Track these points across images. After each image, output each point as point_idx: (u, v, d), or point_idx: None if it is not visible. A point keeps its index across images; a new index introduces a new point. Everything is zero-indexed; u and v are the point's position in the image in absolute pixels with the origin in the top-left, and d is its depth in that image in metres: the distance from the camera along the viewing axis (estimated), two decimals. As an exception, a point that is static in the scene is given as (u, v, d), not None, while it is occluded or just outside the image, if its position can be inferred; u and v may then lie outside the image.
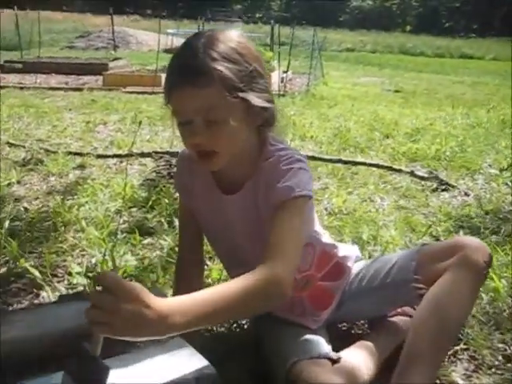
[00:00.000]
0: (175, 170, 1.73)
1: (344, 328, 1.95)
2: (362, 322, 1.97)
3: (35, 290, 2.14)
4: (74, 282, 2.20)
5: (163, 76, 8.32)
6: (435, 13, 38.77)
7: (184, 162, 1.66)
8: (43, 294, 2.12)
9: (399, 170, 4.10)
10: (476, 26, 36.46)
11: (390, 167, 4.16)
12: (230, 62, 1.35)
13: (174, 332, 1.11)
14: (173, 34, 18.75)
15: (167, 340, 1.24)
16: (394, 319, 1.84)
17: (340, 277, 1.75)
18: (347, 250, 1.82)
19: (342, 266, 1.75)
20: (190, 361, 1.24)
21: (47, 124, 5.86)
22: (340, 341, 1.70)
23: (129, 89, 9.06)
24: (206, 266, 2.20)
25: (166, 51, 16.30)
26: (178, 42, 18.92)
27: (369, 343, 1.69)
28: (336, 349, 1.60)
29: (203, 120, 1.36)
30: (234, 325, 1.88)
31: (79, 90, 9.06)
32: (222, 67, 1.33)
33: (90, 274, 2.23)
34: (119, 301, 1.02)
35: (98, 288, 1.07)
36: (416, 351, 1.45)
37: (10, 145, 4.67)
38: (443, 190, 3.72)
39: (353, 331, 1.95)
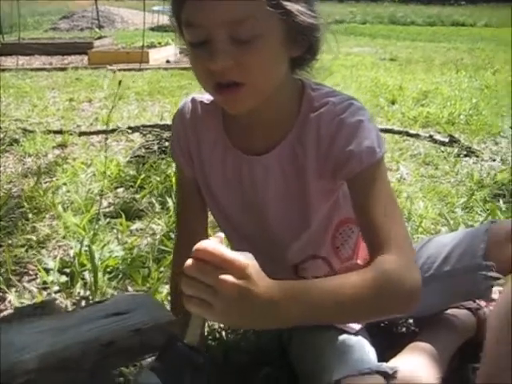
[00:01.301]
0: (172, 133, 1.29)
1: (382, 325, 1.57)
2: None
3: (-1, 294, 1.76)
4: (49, 279, 1.80)
5: (150, 52, 8.02)
6: (424, -19, 38.14)
7: (185, 119, 1.24)
8: (9, 297, 1.72)
9: (416, 135, 3.71)
10: (466, -8, 35.88)
11: (406, 132, 3.77)
12: None
13: (281, 323, 0.91)
14: (158, 12, 18.26)
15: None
16: (450, 312, 1.46)
17: None
18: None
19: None
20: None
21: (27, 104, 5.43)
22: (380, 343, 1.31)
23: (115, 66, 8.62)
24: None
25: (153, 29, 15.86)
26: (164, 19, 18.48)
27: (427, 345, 1.32)
28: (377, 354, 1.22)
29: (229, 37, 0.96)
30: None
31: (63, 69, 8.61)
32: None
33: (68, 270, 1.84)
34: (223, 274, 0.80)
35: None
36: (495, 371, 1.07)
37: (-16, 126, 4.25)
38: (466, 156, 3.35)
39: (394, 329, 1.57)
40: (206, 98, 1.23)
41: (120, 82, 1.98)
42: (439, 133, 3.90)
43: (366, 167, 1.05)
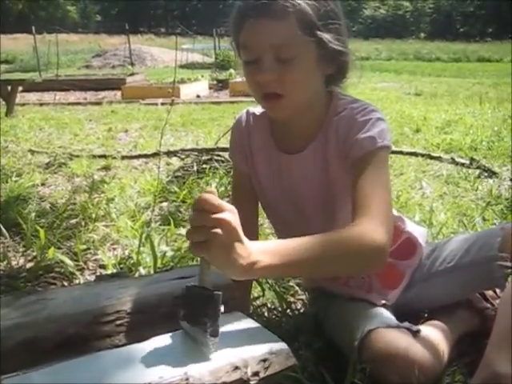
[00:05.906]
0: (231, 138, 1.56)
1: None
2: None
3: (66, 284, 1.98)
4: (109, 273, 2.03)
5: (182, 87, 8.34)
6: (449, 18, 38.42)
7: (241, 125, 1.53)
8: (75, 286, 1.95)
9: (438, 158, 3.92)
10: (491, 29, 36.07)
11: (429, 155, 3.98)
12: None
13: (256, 272, 1.05)
14: (188, 50, 18.83)
15: (229, 315, 1.10)
16: (458, 311, 1.64)
17: (411, 255, 1.57)
18: (416, 226, 1.65)
19: (413, 243, 1.57)
20: (259, 336, 1.07)
21: (68, 133, 5.78)
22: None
23: (148, 100, 8.97)
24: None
25: (182, 66, 16.36)
26: (193, 57, 19.05)
27: (442, 324, 1.50)
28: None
29: (274, 57, 1.25)
30: (288, 310, 1.69)
31: (98, 103, 9.03)
32: (300, 1, 1.23)
33: (123, 266, 2.06)
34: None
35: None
36: (502, 337, 1.26)
37: (32, 152, 4.56)
38: (487, 177, 3.52)
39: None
40: (257, 110, 1.51)
41: (172, 103, 2.19)
42: (461, 157, 4.07)
43: (365, 152, 1.28)
